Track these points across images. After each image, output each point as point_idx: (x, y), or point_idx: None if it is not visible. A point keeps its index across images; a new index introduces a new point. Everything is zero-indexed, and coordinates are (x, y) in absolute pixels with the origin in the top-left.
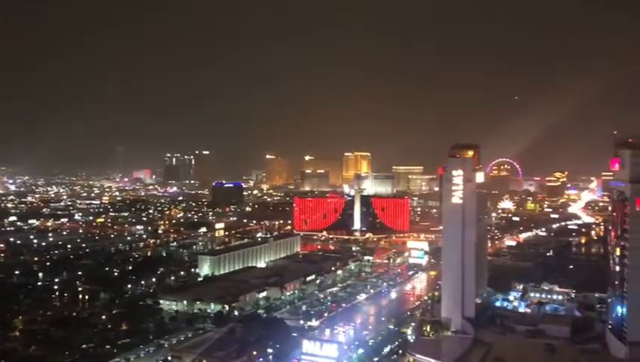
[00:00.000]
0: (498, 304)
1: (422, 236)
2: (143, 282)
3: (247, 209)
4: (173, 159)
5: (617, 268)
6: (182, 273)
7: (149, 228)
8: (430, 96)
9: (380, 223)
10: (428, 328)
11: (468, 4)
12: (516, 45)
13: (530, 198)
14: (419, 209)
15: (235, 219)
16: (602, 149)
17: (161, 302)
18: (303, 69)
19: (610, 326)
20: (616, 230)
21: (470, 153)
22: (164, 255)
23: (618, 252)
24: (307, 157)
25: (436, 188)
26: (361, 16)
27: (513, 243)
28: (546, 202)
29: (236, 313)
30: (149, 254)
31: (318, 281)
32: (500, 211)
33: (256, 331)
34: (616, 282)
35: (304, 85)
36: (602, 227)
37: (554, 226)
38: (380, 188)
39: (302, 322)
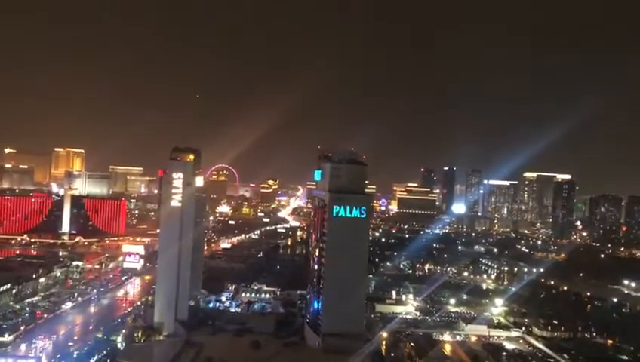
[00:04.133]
0: (211, 305)
1: (138, 239)
2: None
3: None
4: None
5: (316, 267)
6: None
7: None
8: (154, 97)
9: (92, 226)
10: (139, 334)
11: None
12: (246, 54)
13: (246, 203)
14: (137, 211)
15: None
16: (308, 161)
17: None
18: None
19: (307, 320)
20: (316, 233)
21: (191, 157)
22: None
23: (317, 252)
24: (7, 150)
25: (156, 191)
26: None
27: (228, 245)
28: (260, 207)
29: None
30: None
31: (14, 291)
32: (217, 215)
33: None
34: (315, 280)
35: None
36: (306, 230)
37: (265, 229)
38: (95, 188)
39: None
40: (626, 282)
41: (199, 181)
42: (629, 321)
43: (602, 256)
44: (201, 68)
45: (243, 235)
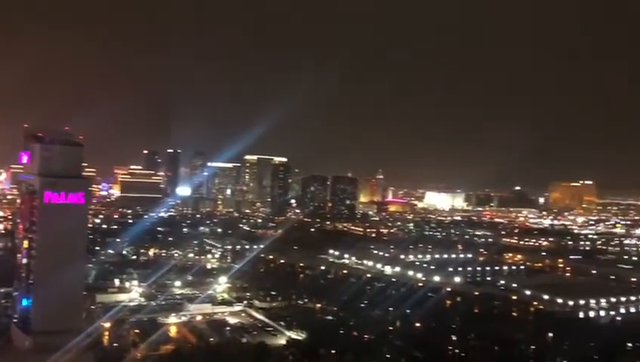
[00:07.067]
0: None
1: None
2: None
3: None
4: None
5: (25, 261)
6: None
7: None
8: None
9: None
10: None
11: None
12: None
13: None
14: None
15: None
16: (12, 141)
17: None
18: None
19: (15, 320)
20: (24, 223)
21: None
22: None
23: (26, 244)
24: None
25: None
26: None
27: None
28: None
29: None
30: None
31: None
32: None
33: None
34: (23, 275)
35: None
36: (11, 220)
37: None
38: None
39: None
40: (331, 251)
41: None
42: (333, 286)
43: (312, 229)
44: None
45: None
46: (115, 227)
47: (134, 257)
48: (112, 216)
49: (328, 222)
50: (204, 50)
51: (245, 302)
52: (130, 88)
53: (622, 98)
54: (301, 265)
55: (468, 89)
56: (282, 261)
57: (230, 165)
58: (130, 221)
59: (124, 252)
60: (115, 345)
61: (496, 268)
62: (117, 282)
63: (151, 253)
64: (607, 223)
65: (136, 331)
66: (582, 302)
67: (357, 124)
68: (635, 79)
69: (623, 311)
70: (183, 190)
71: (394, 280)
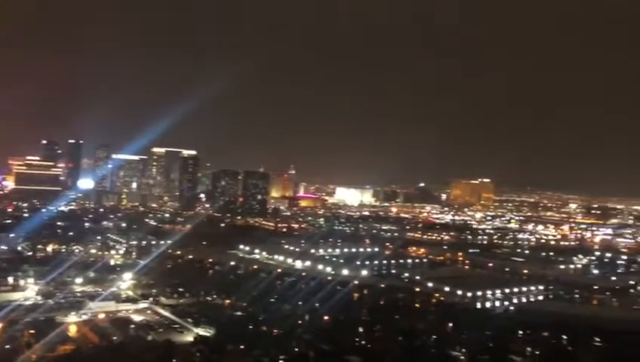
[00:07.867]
0: None
1: None
2: None
3: None
4: None
5: None
6: None
7: None
8: None
9: None
10: None
11: None
12: None
13: None
14: None
15: None
16: None
17: None
18: None
19: None
20: None
21: None
22: None
23: None
24: None
25: None
26: None
27: None
28: None
29: None
30: None
31: None
32: None
33: None
34: None
35: None
36: None
37: None
38: None
39: None
40: (241, 246)
41: None
42: (242, 281)
43: (222, 224)
44: None
45: None
46: (9, 221)
47: (30, 253)
48: (5, 209)
49: (239, 217)
50: (112, 37)
51: (151, 299)
52: (27, 75)
53: (518, 101)
54: (210, 260)
55: (377, 89)
56: (191, 256)
57: (136, 157)
58: (26, 215)
59: (19, 248)
60: (6, 346)
61: (401, 261)
62: (10, 280)
63: (49, 248)
64: (502, 219)
65: (32, 331)
66: (479, 293)
67: (270, 119)
68: (533, 83)
69: (515, 301)
70: (85, 183)
71: (304, 274)
